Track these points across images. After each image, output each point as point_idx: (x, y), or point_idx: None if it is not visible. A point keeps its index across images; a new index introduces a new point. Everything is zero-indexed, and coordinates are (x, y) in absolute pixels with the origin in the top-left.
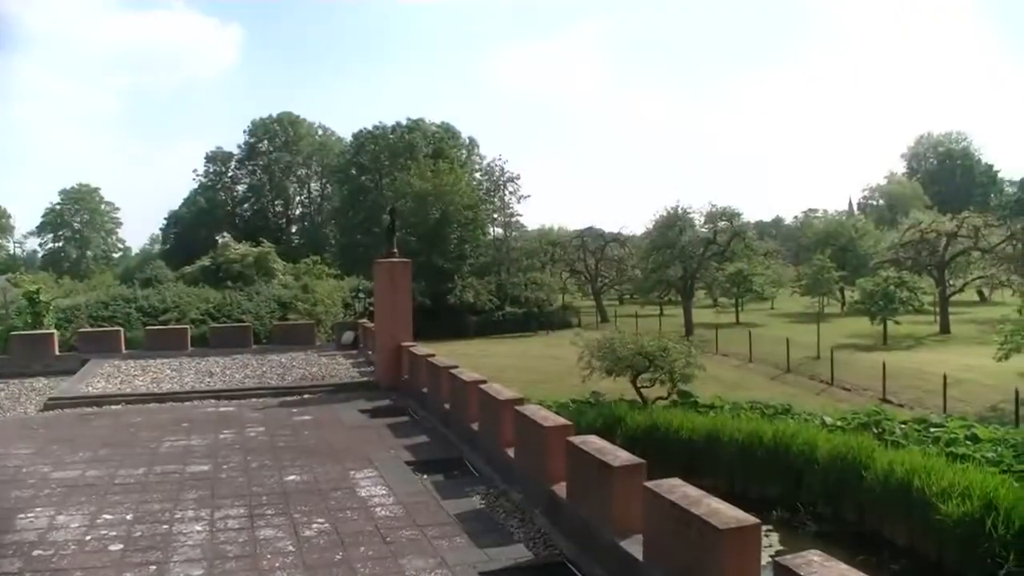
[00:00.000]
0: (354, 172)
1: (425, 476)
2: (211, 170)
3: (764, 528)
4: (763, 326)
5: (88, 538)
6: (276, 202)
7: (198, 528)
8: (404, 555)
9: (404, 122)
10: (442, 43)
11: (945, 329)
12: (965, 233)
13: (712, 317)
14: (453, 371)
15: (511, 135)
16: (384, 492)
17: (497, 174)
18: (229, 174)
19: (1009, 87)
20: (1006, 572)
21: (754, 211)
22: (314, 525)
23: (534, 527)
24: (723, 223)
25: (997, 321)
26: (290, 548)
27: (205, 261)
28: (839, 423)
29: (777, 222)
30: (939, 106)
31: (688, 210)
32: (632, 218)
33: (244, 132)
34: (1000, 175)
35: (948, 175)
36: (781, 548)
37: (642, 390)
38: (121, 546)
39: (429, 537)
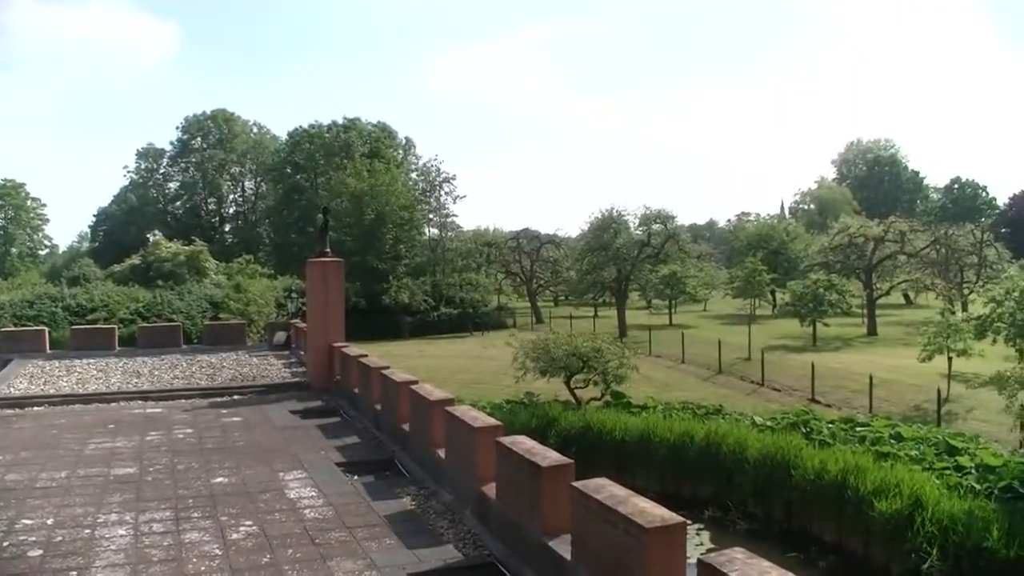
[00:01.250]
0: (289, 171)
1: (356, 477)
2: (143, 167)
3: (696, 527)
4: (696, 327)
5: (6, 544)
6: (209, 200)
7: (122, 532)
8: (333, 557)
9: (340, 121)
10: (380, 42)
11: (872, 331)
12: (892, 238)
13: (646, 318)
14: (384, 371)
15: (448, 136)
16: (314, 494)
17: (433, 175)
18: (161, 171)
19: (934, 97)
20: (928, 566)
21: (688, 214)
22: (241, 528)
23: (464, 528)
24: (657, 226)
25: (921, 323)
26: (216, 551)
27: (135, 260)
28: (769, 423)
29: (711, 225)
30: (869, 113)
31: (623, 212)
32: (568, 220)
33: (177, 129)
34: (926, 182)
35: (876, 181)
36: (712, 547)
37: (576, 391)
38: (40, 552)
39: (358, 539)
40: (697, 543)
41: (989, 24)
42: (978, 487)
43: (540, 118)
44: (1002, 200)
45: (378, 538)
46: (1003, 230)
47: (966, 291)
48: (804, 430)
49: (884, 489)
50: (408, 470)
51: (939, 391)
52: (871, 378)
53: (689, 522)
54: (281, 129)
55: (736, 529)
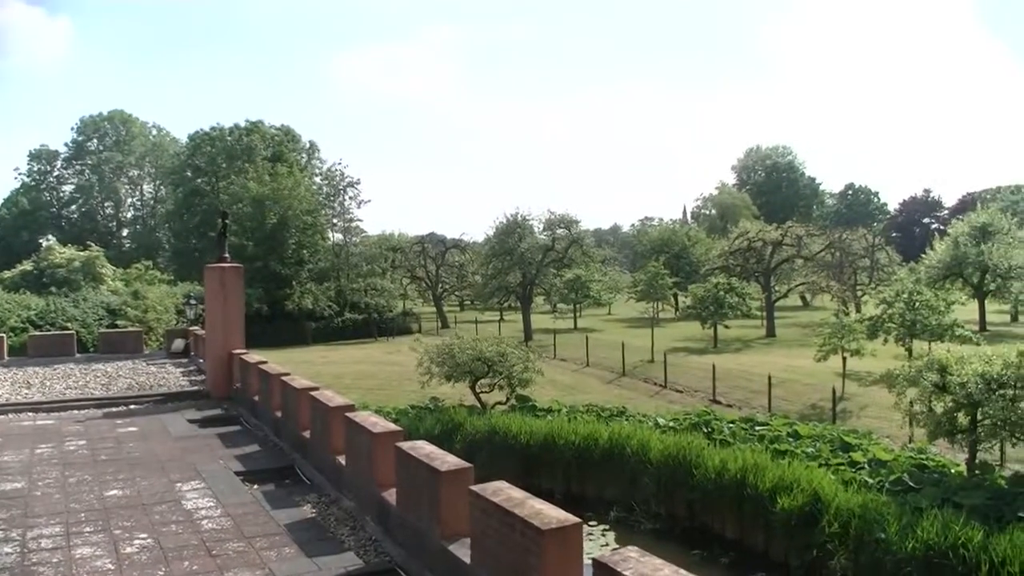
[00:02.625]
0: (189, 174)
1: (255, 486)
2: (35, 169)
3: (601, 528)
4: (600, 331)
5: None
6: (106, 204)
7: (7, 550)
8: (230, 568)
9: (243, 124)
10: (284, 44)
11: (771, 333)
12: (789, 242)
13: (551, 323)
14: (284, 378)
15: (353, 140)
16: (211, 504)
17: (337, 179)
18: (55, 174)
19: (830, 105)
20: (837, 562)
21: (593, 219)
22: (136, 541)
23: (365, 534)
24: (561, 230)
25: (817, 325)
26: (109, 566)
27: (27, 265)
28: (672, 424)
29: (615, 230)
30: (768, 120)
31: (527, 217)
32: (473, 225)
33: (72, 130)
34: (822, 188)
35: (775, 187)
36: (616, 547)
37: (481, 395)
38: None
39: (257, 548)
40: (603, 543)
41: (880, 35)
42: (871, 481)
43: (446, 122)
44: (893, 206)
45: (277, 547)
46: (894, 234)
47: (859, 293)
48: (706, 430)
49: (782, 486)
50: (309, 478)
51: (834, 390)
52: (770, 378)
53: (594, 523)
54: (181, 131)
55: (641, 529)
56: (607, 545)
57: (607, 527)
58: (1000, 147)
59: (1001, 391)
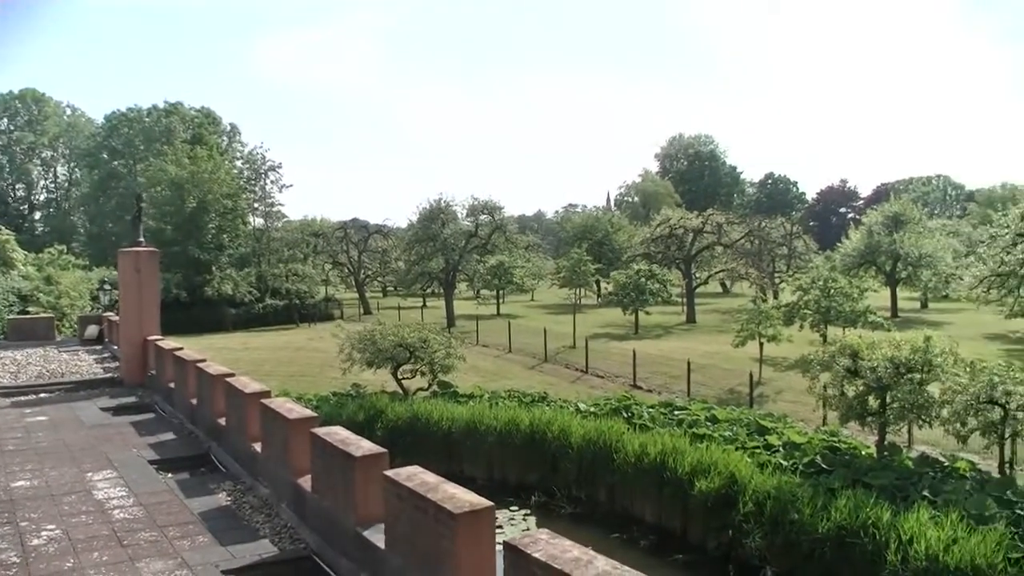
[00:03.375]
0: (106, 156)
1: (169, 475)
2: None
3: (523, 513)
4: (523, 317)
5: None
6: (17, 186)
7: None
8: (142, 558)
9: (161, 105)
10: (204, 25)
11: (691, 319)
12: (710, 229)
13: (473, 309)
14: (200, 365)
15: (275, 123)
16: (123, 493)
17: (259, 162)
18: None
19: (750, 95)
20: (752, 541)
21: (518, 206)
22: (43, 532)
23: (280, 521)
24: (485, 217)
25: (736, 311)
26: (14, 559)
27: None
28: (592, 409)
29: (539, 216)
30: (692, 110)
31: (451, 203)
32: (397, 210)
33: None
34: (742, 177)
35: (696, 175)
36: (557, 535)
37: (403, 381)
38: None
39: (170, 538)
40: (524, 528)
41: (799, 28)
42: (785, 464)
43: (369, 106)
44: (811, 195)
45: (191, 536)
46: (811, 223)
47: (777, 280)
48: (626, 415)
49: (700, 469)
50: (224, 465)
51: (751, 375)
52: (689, 364)
53: (516, 508)
54: (97, 112)
55: (561, 513)
56: (528, 530)
57: (528, 512)
58: (913, 140)
59: (909, 375)
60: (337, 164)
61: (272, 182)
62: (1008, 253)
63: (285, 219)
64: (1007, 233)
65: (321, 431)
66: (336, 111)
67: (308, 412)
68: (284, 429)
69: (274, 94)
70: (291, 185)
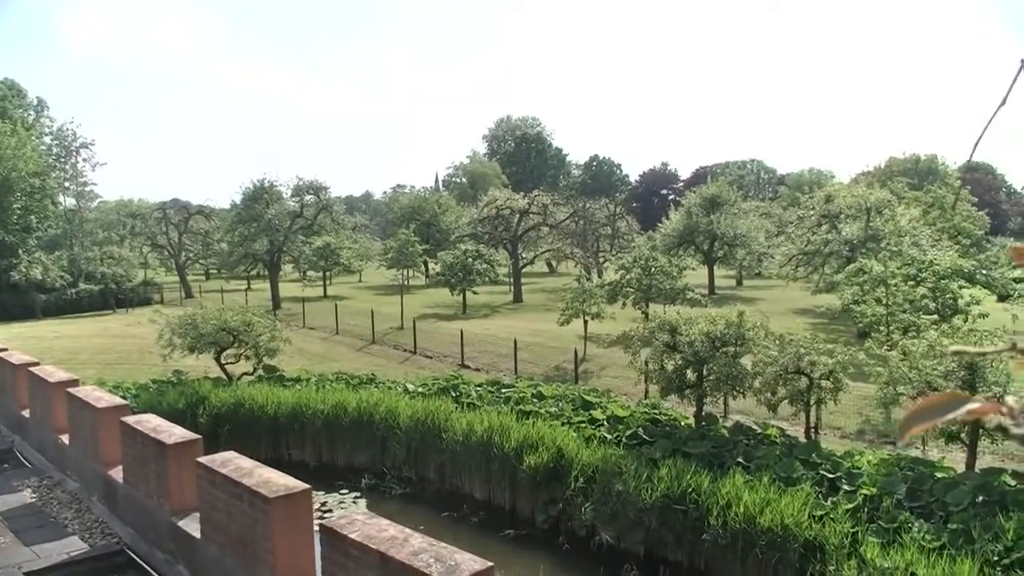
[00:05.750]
0: None
1: None
2: None
3: (353, 495)
4: (351, 299)
5: None
6: None
7: None
8: None
9: None
10: None
11: (518, 298)
12: (536, 210)
13: (300, 291)
14: (1, 354)
15: (89, 98)
16: None
17: (69, 139)
18: None
19: (576, 79)
20: (582, 514)
21: (345, 186)
22: None
23: (91, 516)
24: (310, 197)
25: (561, 290)
26: None
27: None
28: (420, 389)
29: (367, 197)
30: (519, 92)
31: (275, 183)
32: (219, 191)
33: None
34: (568, 159)
35: (523, 157)
36: (369, 513)
37: (227, 366)
38: None
39: None
40: (355, 511)
41: (619, 16)
42: (609, 437)
43: (190, 84)
44: (634, 177)
45: None
46: (634, 204)
47: (601, 260)
48: (454, 394)
49: (528, 445)
50: (30, 460)
51: (576, 352)
52: (516, 342)
53: (346, 491)
54: None
55: (392, 494)
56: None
57: (359, 494)
58: (729, 126)
59: (724, 349)
60: (156, 143)
61: (84, 160)
62: (814, 233)
63: (100, 199)
64: (813, 215)
65: (132, 419)
66: (155, 87)
67: (118, 400)
68: (93, 419)
69: (88, 67)
70: (105, 163)
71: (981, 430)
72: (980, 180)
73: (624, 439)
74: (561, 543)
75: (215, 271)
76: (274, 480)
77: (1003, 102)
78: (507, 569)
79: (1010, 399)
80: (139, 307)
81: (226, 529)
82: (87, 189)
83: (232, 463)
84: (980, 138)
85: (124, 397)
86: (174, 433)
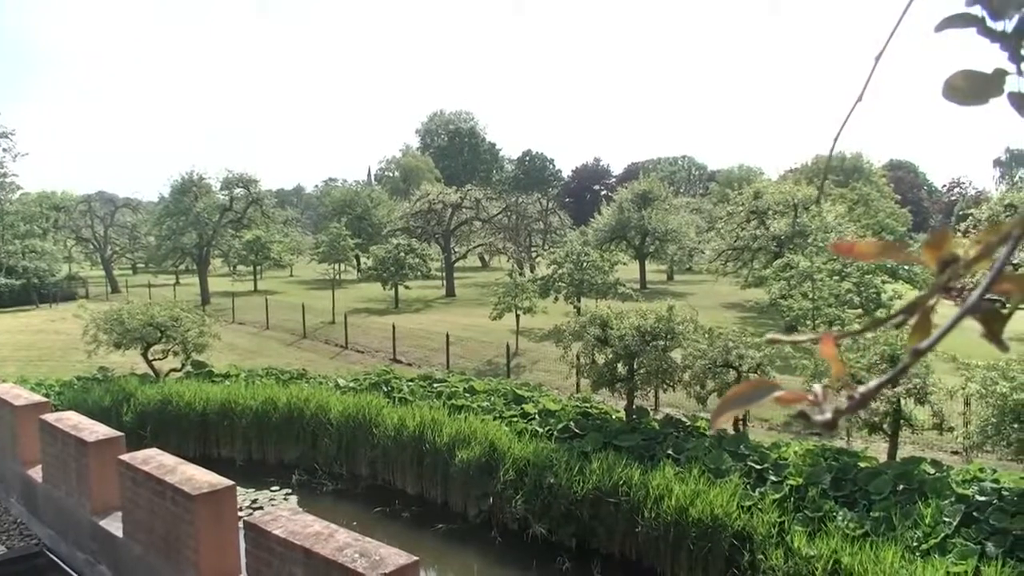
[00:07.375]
0: None
1: None
2: None
3: (284, 492)
4: (281, 293)
5: None
6: None
7: None
8: None
9: None
10: None
11: (451, 292)
12: (468, 204)
13: (229, 285)
14: None
15: (7, 86)
16: None
17: None
18: None
19: (510, 73)
20: (513, 507)
21: (276, 179)
22: None
23: (9, 518)
24: (240, 190)
25: (493, 284)
26: None
27: None
28: (352, 384)
29: (299, 191)
30: (452, 86)
31: (204, 176)
32: (146, 183)
33: None
34: (501, 153)
35: (456, 151)
36: (299, 509)
37: (154, 363)
38: None
39: None
40: (281, 507)
41: (560, 13)
42: (541, 430)
43: (115, 72)
44: (566, 172)
45: None
46: (567, 200)
47: (534, 254)
48: (386, 389)
49: (460, 439)
50: None
51: (508, 346)
52: (448, 336)
53: (277, 488)
54: None
55: (324, 491)
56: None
57: (290, 491)
58: (661, 122)
59: (654, 342)
60: (80, 133)
61: (4, 150)
62: (743, 229)
63: (21, 191)
64: (742, 211)
65: (51, 417)
66: (77, 74)
67: (38, 398)
68: (11, 417)
69: (6, 51)
70: (27, 154)
71: (901, 421)
72: (903, 178)
73: (556, 433)
74: (494, 536)
75: (142, 265)
76: (197, 477)
77: (859, 99)
78: (440, 563)
79: (817, 387)
80: (63, 302)
81: (149, 528)
82: (7, 180)
83: (155, 460)
84: (839, 134)
85: (47, 395)
86: (95, 431)
